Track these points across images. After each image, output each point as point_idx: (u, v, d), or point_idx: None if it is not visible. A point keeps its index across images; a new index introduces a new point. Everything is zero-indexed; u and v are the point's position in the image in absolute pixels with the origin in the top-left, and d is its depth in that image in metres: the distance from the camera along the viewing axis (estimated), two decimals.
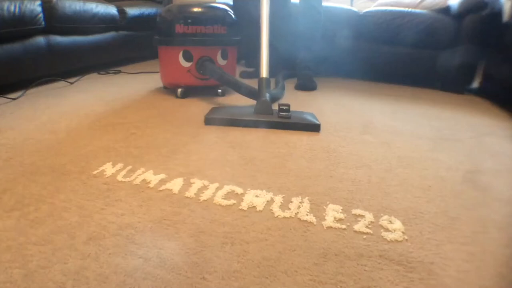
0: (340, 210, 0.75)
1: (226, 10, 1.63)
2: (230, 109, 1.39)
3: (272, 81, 2.02)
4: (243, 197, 0.78)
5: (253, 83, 1.53)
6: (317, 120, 1.29)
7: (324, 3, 2.14)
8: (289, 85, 1.96)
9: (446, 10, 2.11)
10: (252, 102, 1.54)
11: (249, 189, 0.82)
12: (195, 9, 1.54)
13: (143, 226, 0.67)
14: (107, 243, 0.62)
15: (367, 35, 2.21)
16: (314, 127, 1.25)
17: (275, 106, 1.34)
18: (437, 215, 0.75)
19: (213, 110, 1.33)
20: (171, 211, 0.72)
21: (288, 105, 1.28)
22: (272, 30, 2.17)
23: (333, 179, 0.89)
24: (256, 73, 2.17)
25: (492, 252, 0.65)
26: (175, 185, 0.82)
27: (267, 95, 1.33)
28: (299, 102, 1.64)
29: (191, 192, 0.79)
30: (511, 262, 0.63)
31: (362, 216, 0.73)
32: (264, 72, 1.37)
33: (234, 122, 1.25)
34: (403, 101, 1.80)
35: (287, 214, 0.73)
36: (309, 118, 1.30)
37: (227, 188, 0.82)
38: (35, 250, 0.59)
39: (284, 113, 1.26)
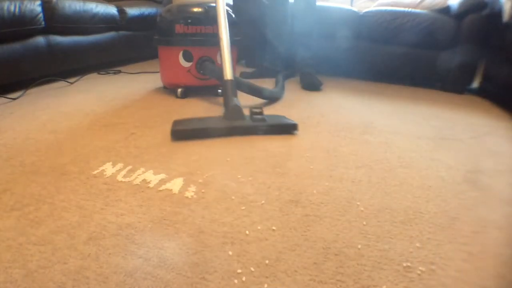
0: (340, 210, 0.75)
1: (226, 10, 1.63)
2: (198, 119, 1.21)
3: (271, 81, 2.02)
4: (243, 197, 0.78)
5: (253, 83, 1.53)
6: (292, 121, 1.22)
7: (324, 3, 2.15)
8: (293, 85, 1.96)
9: (446, 10, 2.11)
10: (259, 101, 1.54)
11: (249, 189, 0.82)
12: (195, 9, 1.54)
13: (143, 226, 0.67)
14: (107, 243, 0.62)
15: (367, 35, 2.21)
16: (290, 128, 1.19)
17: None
18: (437, 215, 0.75)
19: (178, 122, 1.16)
20: (171, 211, 0.72)
21: (261, 108, 1.21)
22: (272, 30, 2.19)
23: (333, 179, 0.89)
24: (256, 73, 2.18)
25: (492, 252, 0.65)
26: (175, 185, 0.82)
27: (235, 99, 1.22)
28: (300, 102, 1.64)
29: (191, 192, 0.79)
30: (511, 262, 0.63)
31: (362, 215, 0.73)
32: (228, 73, 1.27)
33: (205, 132, 1.12)
34: (403, 101, 1.80)
35: (287, 213, 0.73)
36: (284, 120, 1.24)
37: (227, 188, 0.82)
38: (35, 250, 0.59)
39: (257, 116, 1.18)
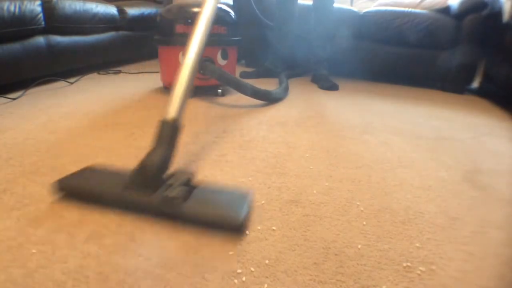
0: (340, 210, 0.75)
1: (226, 10, 1.63)
2: (102, 173, 0.79)
3: (271, 81, 2.02)
4: None
5: (253, 83, 1.53)
6: (243, 210, 0.66)
7: None
8: (303, 85, 1.96)
9: (446, 10, 2.11)
10: (258, 102, 1.54)
11: (248, 189, 0.82)
12: (195, 9, 1.54)
13: (143, 225, 0.67)
14: (107, 242, 0.62)
15: (367, 35, 2.21)
16: (227, 225, 0.66)
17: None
18: (437, 215, 0.75)
19: (80, 172, 0.80)
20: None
21: (189, 175, 0.73)
22: (276, 29, 2.19)
23: (333, 179, 0.89)
24: (256, 73, 2.18)
25: (492, 252, 0.65)
26: None
27: (161, 153, 0.72)
28: (300, 102, 1.64)
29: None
30: (511, 262, 0.63)
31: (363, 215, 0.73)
32: (171, 111, 0.76)
33: (92, 196, 0.73)
34: (403, 101, 1.80)
35: (287, 213, 0.73)
36: (227, 206, 0.68)
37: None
38: (35, 250, 0.59)
39: (174, 192, 0.66)
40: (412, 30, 2.07)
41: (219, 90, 1.67)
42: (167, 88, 1.74)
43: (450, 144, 1.19)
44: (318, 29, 2.07)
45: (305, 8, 2.17)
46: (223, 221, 0.66)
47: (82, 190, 0.74)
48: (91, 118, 1.28)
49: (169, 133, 0.75)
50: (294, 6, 2.13)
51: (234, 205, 0.68)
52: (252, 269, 0.57)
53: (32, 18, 1.58)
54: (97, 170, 0.81)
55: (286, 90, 1.76)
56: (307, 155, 1.03)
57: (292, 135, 1.19)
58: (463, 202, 0.81)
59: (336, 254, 0.61)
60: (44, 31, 1.69)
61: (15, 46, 1.54)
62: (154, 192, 0.69)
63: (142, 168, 0.71)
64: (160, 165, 0.71)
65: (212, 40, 1.55)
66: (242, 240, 0.64)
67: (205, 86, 1.63)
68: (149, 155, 0.72)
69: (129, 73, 2.17)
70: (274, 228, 0.68)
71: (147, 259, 0.58)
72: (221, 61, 1.62)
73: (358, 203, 0.78)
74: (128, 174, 0.72)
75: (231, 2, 2.45)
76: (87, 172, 0.80)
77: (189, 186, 0.71)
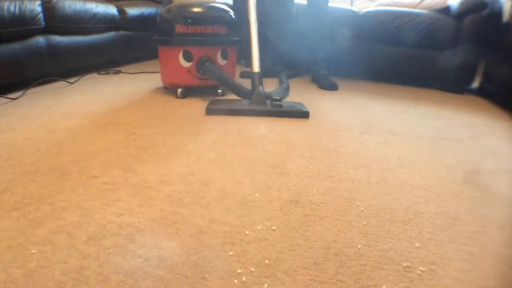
0: (340, 210, 0.75)
1: (226, 10, 1.63)
2: (228, 101, 1.54)
3: (272, 81, 2.02)
4: (243, 197, 0.78)
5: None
6: (306, 108, 1.44)
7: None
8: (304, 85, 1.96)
9: (446, 10, 2.11)
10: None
11: (249, 189, 0.82)
12: (195, 9, 1.54)
13: (143, 225, 0.67)
14: (107, 243, 0.62)
15: (367, 35, 2.21)
16: (303, 114, 1.40)
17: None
18: (437, 215, 0.75)
19: (212, 102, 1.46)
20: (171, 211, 0.72)
21: (280, 96, 1.49)
22: (272, 30, 2.19)
23: (333, 179, 0.89)
24: None
25: (492, 252, 0.65)
26: (175, 185, 0.82)
27: (261, 87, 1.45)
28: (301, 101, 1.64)
29: (191, 192, 0.79)
30: (511, 262, 0.63)
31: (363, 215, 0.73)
32: (255, 67, 1.49)
33: (233, 112, 1.38)
34: (403, 101, 1.80)
35: (287, 213, 0.73)
36: (299, 107, 1.46)
37: (227, 188, 0.82)
38: (35, 250, 0.59)
39: (276, 103, 1.41)
40: (412, 30, 2.06)
41: (219, 90, 1.67)
42: (167, 88, 1.74)
43: (450, 144, 1.19)
44: (315, 29, 2.07)
45: (304, 7, 2.17)
46: (301, 113, 1.40)
47: (225, 109, 1.39)
48: (91, 118, 1.28)
49: (259, 78, 1.48)
50: (292, 5, 2.13)
51: (302, 107, 1.46)
52: (252, 269, 0.57)
53: (32, 18, 1.58)
54: (222, 100, 1.58)
55: (286, 90, 1.76)
56: (307, 155, 1.03)
57: (292, 135, 1.19)
58: (463, 202, 0.81)
59: (336, 254, 0.61)
60: (44, 31, 1.69)
61: (15, 46, 1.54)
62: (266, 104, 1.42)
63: (257, 95, 1.43)
64: (262, 93, 1.45)
65: (212, 40, 1.57)
66: (242, 240, 0.64)
67: (205, 86, 1.63)
68: (255, 90, 1.45)
69: (129, 73, 2.17)
70: (274, 228, 0.68)
71: (147, 260, 0.58)
72: (221, 61, 1.61)
73: (358, 203, 0.78)
74: (245, 100, 1.46)
75: (231, 2, 2.44)
76: (217, 101, 1.53)
77: (280, 100, 1.43)
